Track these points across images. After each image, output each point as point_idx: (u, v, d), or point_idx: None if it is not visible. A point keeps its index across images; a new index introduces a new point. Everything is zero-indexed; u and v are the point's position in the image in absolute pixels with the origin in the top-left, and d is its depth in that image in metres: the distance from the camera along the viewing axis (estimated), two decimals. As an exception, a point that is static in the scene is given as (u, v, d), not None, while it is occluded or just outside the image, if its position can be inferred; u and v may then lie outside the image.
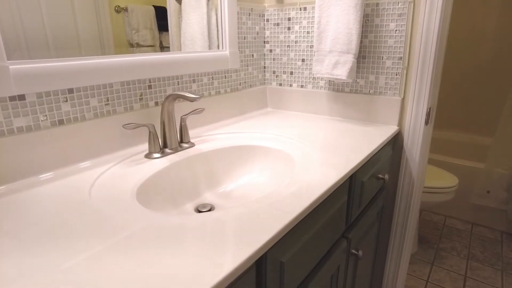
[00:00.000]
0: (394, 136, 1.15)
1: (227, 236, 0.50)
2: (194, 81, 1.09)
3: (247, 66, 1.31)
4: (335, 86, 1.24)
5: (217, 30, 1.12)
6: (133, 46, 0.98)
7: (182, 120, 0.94)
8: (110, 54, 0.89)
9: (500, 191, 1.93)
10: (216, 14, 1.12)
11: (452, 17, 2.36)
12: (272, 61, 1.38)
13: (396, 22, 1.07)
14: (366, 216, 1.02)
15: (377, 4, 1.09)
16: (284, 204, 0.61)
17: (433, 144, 2.59)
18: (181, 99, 1.03)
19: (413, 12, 1.04)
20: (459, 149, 2.51)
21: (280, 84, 1.38)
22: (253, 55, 1.33)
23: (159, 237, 0.50)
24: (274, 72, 1.39)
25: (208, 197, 0.88)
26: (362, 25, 1.13)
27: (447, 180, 1.62)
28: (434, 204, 1.64)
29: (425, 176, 1.65)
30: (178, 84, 1.04)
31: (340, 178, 0.72)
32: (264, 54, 1.39)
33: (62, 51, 0.80)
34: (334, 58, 1.11)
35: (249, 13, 1.27)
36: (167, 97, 0.86)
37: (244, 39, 1.27)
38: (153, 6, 1.01)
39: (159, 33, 1.02)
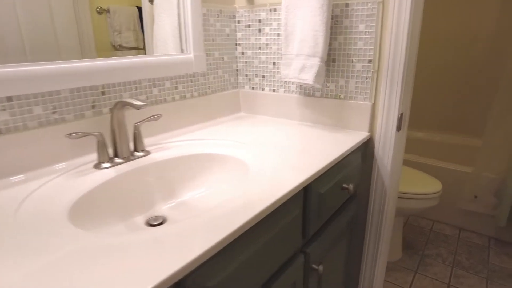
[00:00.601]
0: (365, 143, 1.11)
1: (150, 258, 0.46)
2: (154, 85, 1.05)
3: (217, 69, 1.27)
4: (306, 91, 1.20)
5: (179, 33, 1.08)
6: (116, 49, 0.94)
7: (136, 127, 0.90)
8: (91, 58, 0.87)
9: (488, 196, 1.87)
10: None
11: (441, 17, 2.31)
12: (245, 64, 1.33)
13: (365, 23, 1.02)
14: (332, 228, 0.97)
15: (347, 5, 1.04)
16: (220, 221, 0.56)
17: (419, 146, 2.54)
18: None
19: (382, 13, 1.00)
20: (447, 151, 2.45)
21: (253, 88, 1.34)
22: (223, 58, 1.28)
23: (77, 261, 0.46)
24: (246, 75, 1.34)
25: (160, 209, 0.83)
26: (331, 27, 1.08)
27: (430, 186, 1.57)
28: (418, 210, 1.59)
29: (409, 182, 1.61)
30: (136, 89, 1.00)
31: (287, 192, 0.68)
32: (236, 57, 1.34)
33: (39, 56, 0.77)
34: (301, 61, 1.06)
35: (218, 15, 1.22)
36: (115, 105, 0.82)
37: (213, 41, 1.22)
38: (137, 7, 0.97)
39: (143, 34, 0.99)
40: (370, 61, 1.04)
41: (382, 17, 1.00)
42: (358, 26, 1.04)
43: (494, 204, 1.87)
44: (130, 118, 0.97)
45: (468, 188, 1.91)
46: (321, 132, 1.10)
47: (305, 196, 0.80)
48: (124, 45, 0.96)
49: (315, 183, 0.82)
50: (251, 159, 0.87)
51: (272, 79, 1.27)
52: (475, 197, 1.91)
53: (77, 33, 0.85)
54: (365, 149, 1.12)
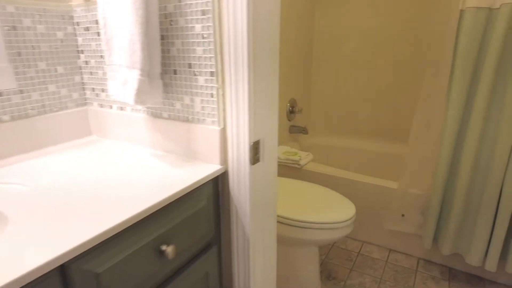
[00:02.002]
0: (216, 179, 0.85)
1: None
2: None
3: (45, 83, 0.98)
4: (153, 110, 0.93)
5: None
6: None
7: None
8: None
9: (415, 214, 1.69)
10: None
11: (367, 19, 2.12)
12: (90, 76, 1.05)
13: (202, 22, 0.77)
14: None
15: (182, -1, 0.78)
16: None
17: (342, 156, 2.35)
18: None
19: (219, 9, 0.75)
20: (373, 162, 2.27)
21: (101, 105, 1.06)
22: (56, 69, 1.00)
23: None
24: (93, 89, 1.06)
25: None
26: (167, 28, 0.82)
27: (340, 212, 1.35)
28: (329, 241, 1.36)
29: (316, 207, 1.38)
30: None
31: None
32: (80, 67, 1.06)
33: None
34: (123, 75, 0.79)
35: (40, 14, 0.94)
36: None
37: (33, 48, 0.93)
38: None
39: None
40: (212, 74, 0.78)
41: (220, 15, 0.75)
42: (194, 26, 0.78)
43: (422, 223, 1.69)
44: None
45: (395, 206, 1.72)
46: (163, 165, 0.84)
47: (65, 283, 0.54)
48: None
49: (88, 259, 0.55)
50: (28, 218, 0.59)
51: (118, 96, 1.00)
52: (403, 215, 1.72)
53: None
54: (222, 186, 0.87)
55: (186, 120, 0.86)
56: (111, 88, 0.84)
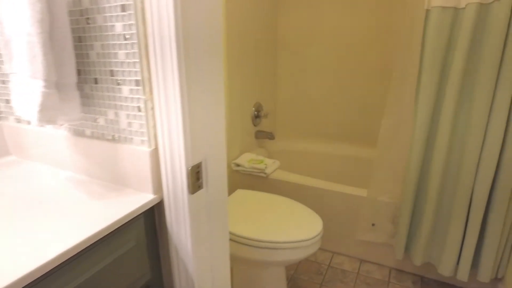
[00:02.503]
0: (152, 211, 0.71)
1: None
2: None
3: None
4: (75, 127, 0.77)
5: None
6: None
7: None
8: None
9: (386, 223, 1.62)
10: None
11: (337, 19, 2.04)
12: (2, 85, 0.87)
13: (123, 20, 0.62)
14: None
15: (100, -7, 0.63)
16: None
17: (312, 163, 2.27)
18: None
19: (142, 4, 0.60)
20: (344, 166, 2.20)
21: (18, 121, 0.88)
22: (-46, 77, 0.81)
23: None
24: (7, 101, 0.88)
25: None
26: (83, 28, 0.67)
27: (306, 229, 1.23)
28: (294, 260, 1.25)
29: (280, 223, 1.26)
30: None
31: None
32: (-11, 74, 0.88)
33: None
34: (26, 86, 0.63)
35: None
36: None
37: None
38: None
39: None
40: (138, 83, 0.64)
41: (143, 11, 0.61)
42: (114, 25, 0.63)
43: (393, 232, 1.61)
44: None
45: (365, 215, 1.64)
46: (83, 196, 0.68)
47: None
48: None
49: None
50: None
51: (34, 109, 0.83)
52: (373, 225, 1.64)
53: None
54: (159, 219, 0.73)
55: (112, 139, 0.71)
56: (14, 102, 0.68)
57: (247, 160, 1.90)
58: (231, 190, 1.96)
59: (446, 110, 1.32)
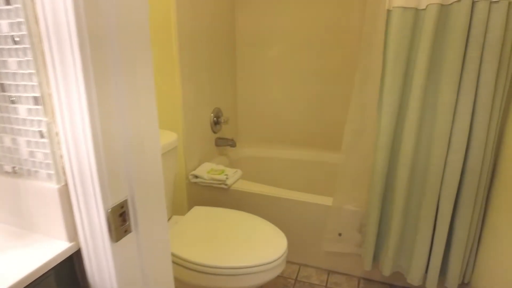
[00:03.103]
0: (70, 260, 0.56)
1: None
2: None
3: None
4: (-35, 155, 0.60)
5: None
6: None
7: None
8: None
9: (352, 233, 1.55)
10: None
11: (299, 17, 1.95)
12: None
13: (9, 17, 0.47)
14: None
15: (-17, -19, 0.47)
16: None
17: (276, 170, 2.18)
18: None
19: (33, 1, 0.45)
20: (309, 171, 2.13)
21: None
22: None
23: None
24: None
25: None
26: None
27: (269, 250, 1.12)
28: (259, 285, 1.13)
29: (244, 246, 1.14)
30: None
31: None
32: None
33: None
34: None
35: None
36: None
37: None
38: None
39: None
40: (37, 100, 0.49)
41: (33, 4, 0.46)
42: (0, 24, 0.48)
43: (360, 241, 1.55)
44: None
45: (331, 225, 1.56)
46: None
47: None
48: None
49: None
50: None
51: None
52: (340, 235, 1.57)
53: None
54: (80, 270, 0.57)
55: (12, 172, 0.55)
56: None
57: (207, 170, 1.76)
58: (190, 205, 1.81)
59: (411, 114, 1.26)
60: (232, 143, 2.02)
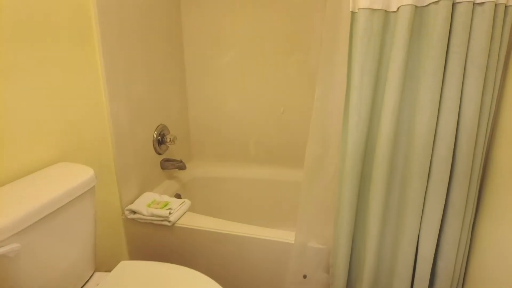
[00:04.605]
0: None
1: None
2: None
3: None
4: None
5: None
6: None
7: None
8: None
9: (319, 273, 1.32)
10: None
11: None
12: None
13: None
14: None
15: None
16: None
17: (233, 193, 1.93)
18: None
19: None
20: (270, 191, 1.90)
21: None
22: None
23: None
24: None
25: None
26: None
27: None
28: None
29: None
30: None
31: None
32: None
33: None
34: None
35: None
36: None
37: None
38: None
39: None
40: None
41: None
42: None
43: (328, 283, 1.32)
44: None
45: (295, 266, 1.32)
46: None
47: None
48: None
49: None
50: None
51: None
52: (305, 277, 1.33)
53: None
54: None
55: None
56: None
57: (147, 203, 1.47)
58: (130, 247, 1.50)
59: (382, 135, 1.04)
60: (181, 165, 1.73)
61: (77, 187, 0.96)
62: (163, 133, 1.71)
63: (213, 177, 1.95)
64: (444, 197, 1.02)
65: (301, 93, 1.77)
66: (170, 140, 1.70)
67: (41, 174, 0.99)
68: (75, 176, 0.99)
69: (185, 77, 1.90)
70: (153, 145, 1.66)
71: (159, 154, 1.71)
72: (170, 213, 1.39)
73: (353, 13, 1.01)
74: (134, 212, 1.43)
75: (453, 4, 0.90)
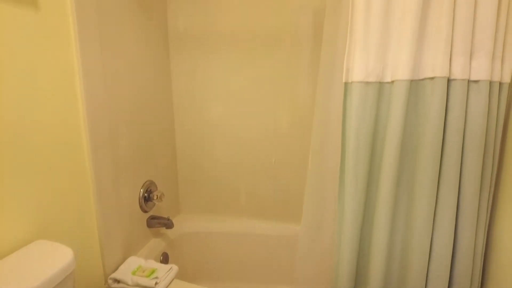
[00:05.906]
0: None
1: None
2: None
3: None
4: None
5: None
6: None
7: None
8: None
9: None
10: None
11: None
12: None
13: None
14: None
15: None
16: None
17: (224, 249, 1.84)
18: None
19: None
20: (262, 247, 1.82)
21: None
22: None
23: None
24: None
25: None
26: None
27: None
28: None
29: None
30: None
31: None
32: None
33: None
34: None
35: None
36: None
37: None
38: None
39: None
40: None
41: None
42: None
43: None
44: None
45: None
46: None
47: None
48: None
49: None
50: None
51: None
52: None
53: None
54: None
55: None
56: None
57: (132, 270, 1.37)
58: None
59: (381, 205, 1.00)
60: (168, 223, 1.65)
61: (55, 274, 0.88)
62: (150, 190, 1.63)
63: (202, 232, 1.86)
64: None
65: (295, 142, 1.74)
66: (157, 198, 1.62)
67: (15, 258, 0.90)
68: (52, 260, 0.91)
69: (174, 131, 1.86)
70: (139, 202, 1.58)
71: (145, 212, 1.63)
72: (156, 283, 1.29)
73: (346, 83, 0.99)
74: (118, 281, 1.33)
75: (448, 81, 0.90)
